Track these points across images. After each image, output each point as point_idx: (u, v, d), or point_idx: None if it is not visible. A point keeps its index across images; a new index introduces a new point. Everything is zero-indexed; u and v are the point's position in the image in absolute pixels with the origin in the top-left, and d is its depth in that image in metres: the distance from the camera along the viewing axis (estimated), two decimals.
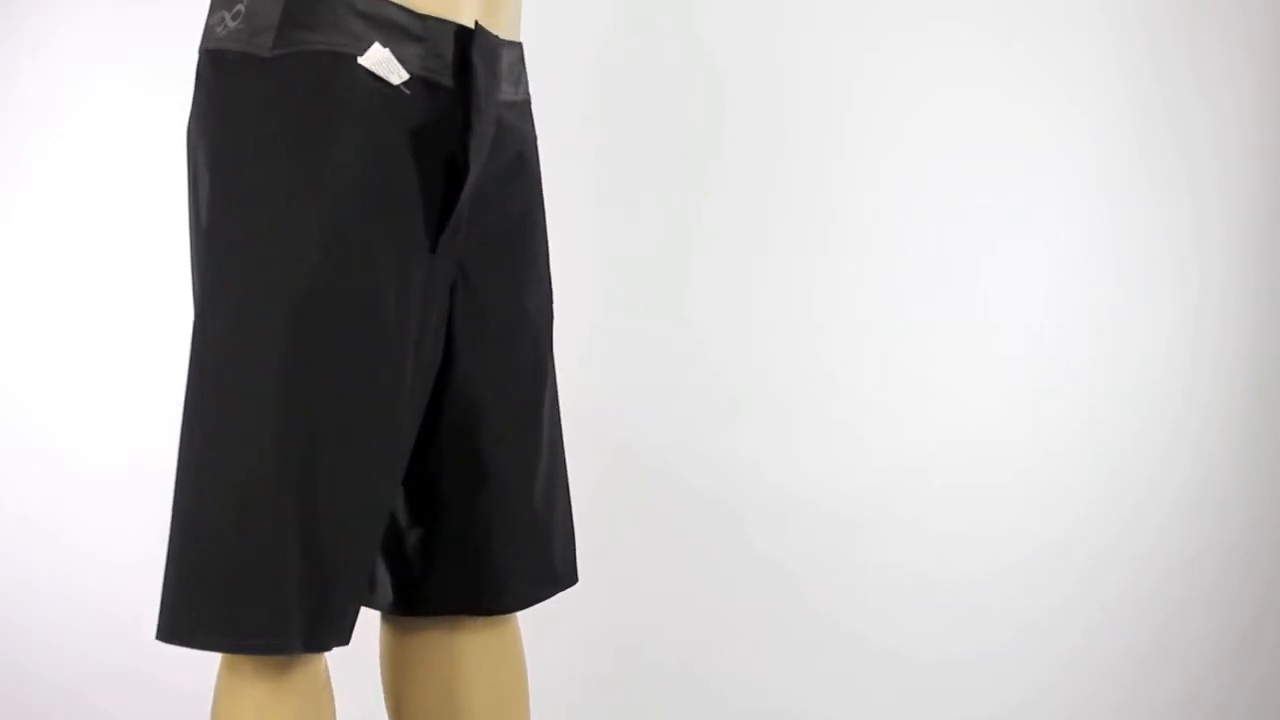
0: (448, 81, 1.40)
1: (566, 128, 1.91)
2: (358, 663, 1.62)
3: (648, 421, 2.56)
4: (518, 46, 1.52)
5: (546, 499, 1.56)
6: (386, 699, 1.63)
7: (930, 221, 2.54)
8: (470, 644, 1.57)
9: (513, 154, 1.50)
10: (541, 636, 1.64)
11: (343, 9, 1.35)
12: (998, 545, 2.57)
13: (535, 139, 1.57)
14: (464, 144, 1.40)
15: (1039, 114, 2.54)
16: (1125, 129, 2.55)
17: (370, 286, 1.35)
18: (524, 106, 1.54)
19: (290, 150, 1.33)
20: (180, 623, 1.33)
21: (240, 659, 1.37)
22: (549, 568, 1.58)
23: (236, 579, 1.31)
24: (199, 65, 1.40)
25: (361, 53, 1.35)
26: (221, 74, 1.36)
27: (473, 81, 1.40)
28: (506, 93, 1.48)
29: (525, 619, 1.62)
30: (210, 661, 1.41)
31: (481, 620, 1.57)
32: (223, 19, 1.38)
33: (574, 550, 1.63)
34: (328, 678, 1.46)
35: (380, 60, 1.35)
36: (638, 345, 2.56)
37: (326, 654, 1.45)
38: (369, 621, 1.60)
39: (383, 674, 1.63)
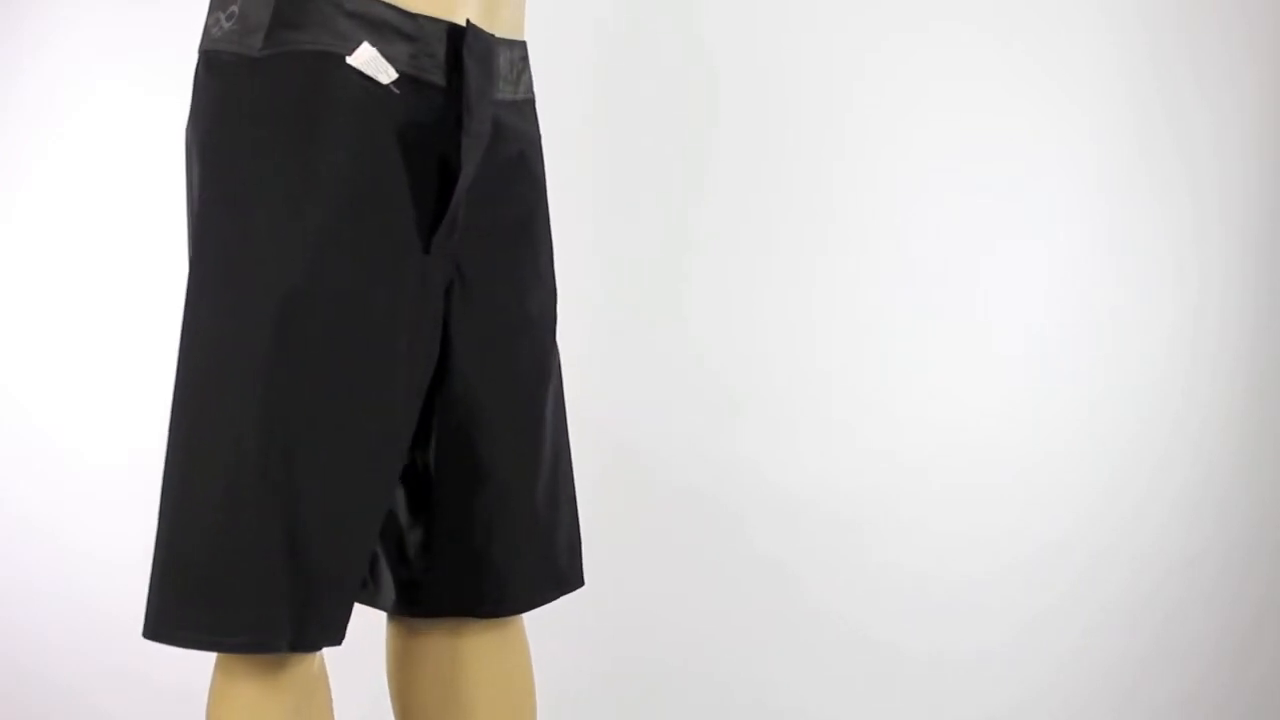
0: (440, 80, 1.39)
1: (566, 128, 1.90)
2: (358, 663, 1.62)
3: (648, 421, 2.56)
4: (519, 45, 1.51)
5: (549, 501, 1.55)
6: (393, 699, 1.62)
7: (930, 221, 2.54)
8: (474, 646, 1.57)
9: (513, 154, 1.50)
10: (541, 636, 1.64)
11: (331, 9, 1.35)
12: (998, 545, 2.57)
13: (538, 139, 1.56)
14: (457, 143, 1.39)
15: (1039, 114, 2.54)
16: (1125, 129, 2.55)
17: (359, 287, 1.34)
18: (525, 106, 1.53)
19: (280, 150, 1.33)
20: (164, 621, 1.33)
21: (233, 659, 1.37)
22: (552, 570, 1.57)
23: (219, 578, 1.31)
24: (196, 66, 1.40)
25: (350, 52, 1.35)
26: (215, 75, 1.37)
27: (465, 80, 1.39)
28: (505, 92, 1.47)
29: (525, 619, 1.62)
30: (210, 662, 1.41)
31: (485, 622, 1.56)
32: (218, 20, 1.38)
33: (580, 552, 1.62)
34: (324, 676, 1.46)
35: (368, 59, 1.35)
36: (637, 345, 2.56)
37: (324, 653, 1.45)
38: (368, 621, 1.60)
39: (389, 674, 1.63)
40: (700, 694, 2.53)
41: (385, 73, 1.36)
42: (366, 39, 1.35)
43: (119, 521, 2.51)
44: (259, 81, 1.34)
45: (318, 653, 1.43)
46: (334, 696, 1.49)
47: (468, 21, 1.40)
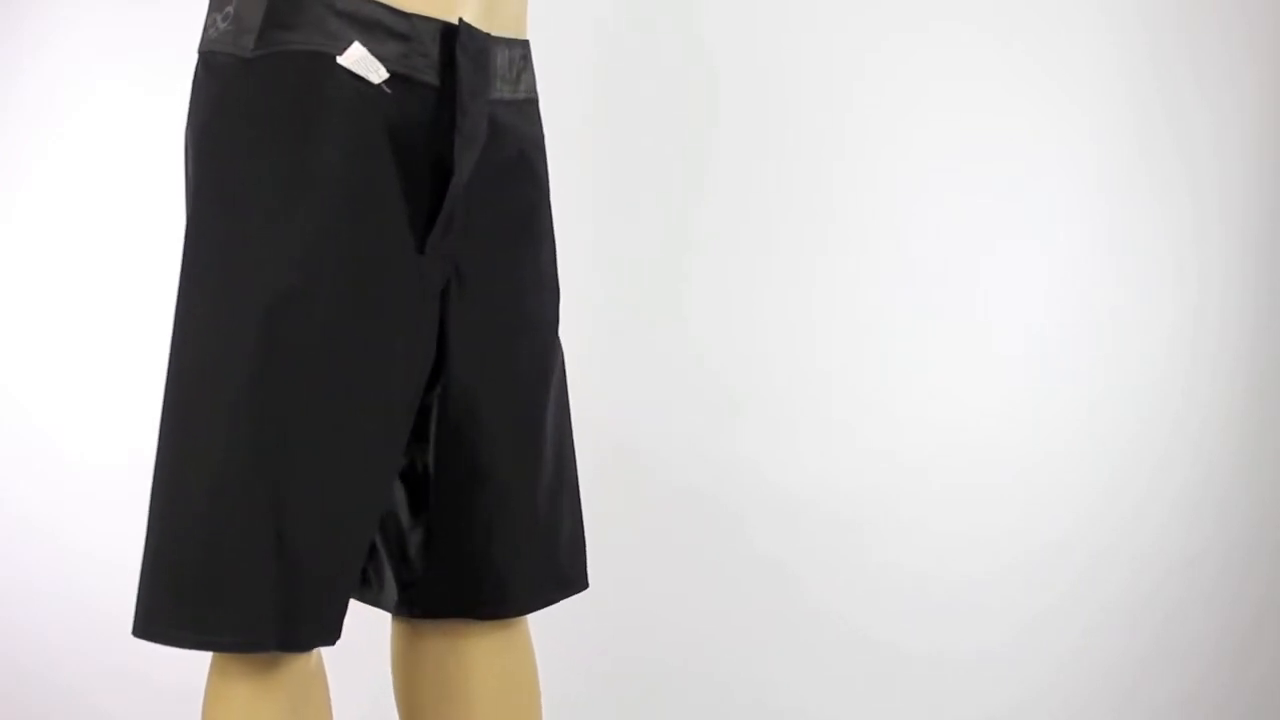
0: (434, 80, 1.39)
1: (566, 128, 1.90)
2: (358, 662, 1.62)
3: (648, 421, 2.56)
4: (519, 45, 1.50)
5: (551, 501, 1.55)
6: (397, 700, 1.62)
7: (930, 221, 2.54)
8: (477, 647, 1.56)
9: (513, 153, 1.49)
10: (540, 636, 1.64)
11: (322, 9, 1.35)
12: (998, 545, 2.56)
13: (540, 138, 1.55)
14: (451, 143, 1.39)
15: (1039, 114, 2.54)
16: (1125, 129, 2.55)
17: (352, 286, 1.34)
18: (526, 105, 1.52)
19: (273, 149, 1.33)
20: (153, 619, 1.34)
21: (227, 659, 1.37)
22: (554, 572, 1.56)
23: (206, 577, 1.31)
24: (195, 67, 1.40)
25: (340, 52, 1.35)
26: (211, 75, 1.37)
27: (457, 80, 1.39)
28: (502, 91, 1.47)
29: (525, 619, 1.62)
30: (209, 661, 1.41)
31: (488, 623, 1.55)
32: (214, 21, 1.38)
33: (584, 554, 1.61)
34: (321, 675, 1.46)
35: (358, 59, 1.35)
36: (637, 345, 2.56)
37: (324, 652, 1.45)
38: (368, 620, 1.60)
39: (393, 675, 1.62)
40: (700, 694, 2.53)
41: (376, 72, 1.36)
42: (357, 38, 1.35)
43: (119, 521, 2.50)
44: (252, 82, 1.34)
45: (314, 652, 1.43)
46: (334, 695, 1.49)
47: (460, 20, 1.39)
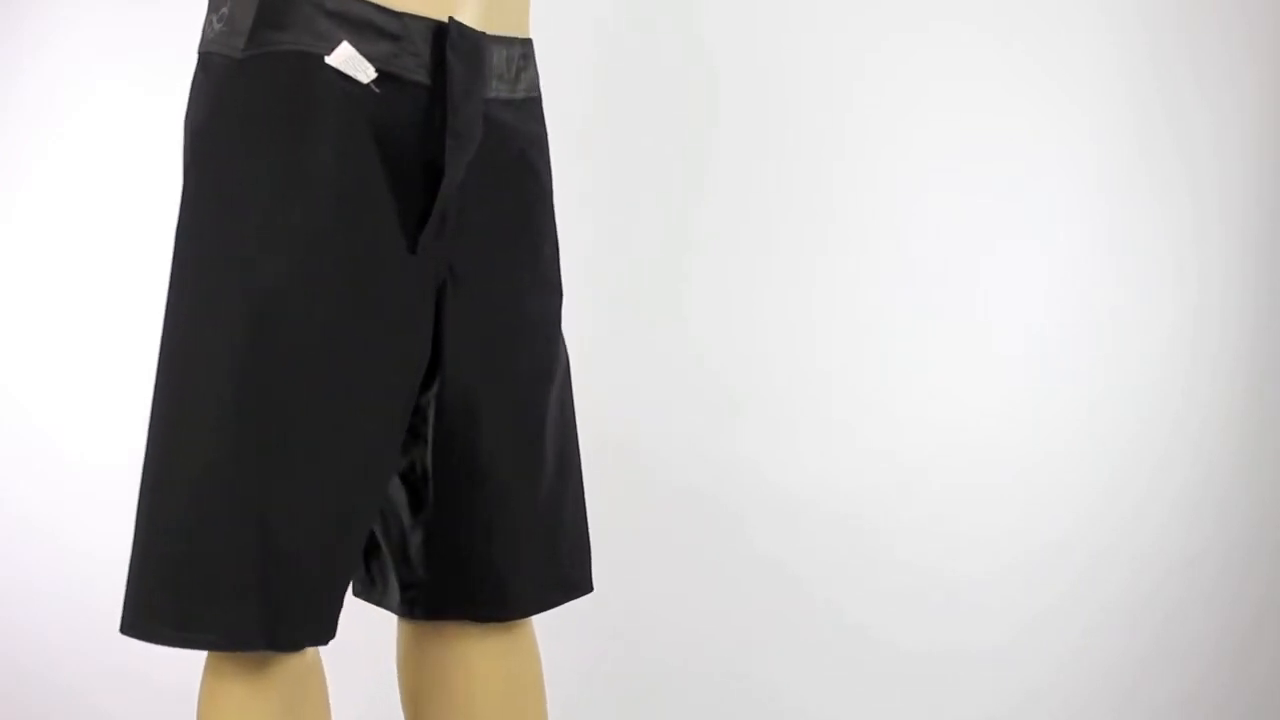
0: (425, 79, 1.39)
1: (566, 127, 1.90)
2: (357, 661, 1.62)
3: (648, 422, 2.56)
4: (519, 43, 1.49)
5: (553, 504, 1.54)
6: (403, 701, 1.62)
7: (930, 221, 2.54)
8: (480, 649, 1.55)
9: (513, 153, 1.48)
10: (540, 636, 1.64)
11: (311, 9, 1.34)
12: (998, 545, 2.56)
13: (542, 137, 1.54)
14: (443, 143, 1.38)
15: (1039, 114, 2.54)
16: (1125, 129, 2.55)
17: (343, 287, 1.34)
18: (526, 105, 1.51)
19: (265, 149, 1.33)
20: (139, 616, 1.34)
21: (221, 659, 1.37)
22: (557, 574, 1.55)
23: (191, 575, 1.31)
24: (194, 68, 1.40)
25: (329, 52, 1.34)
26: (207, 76, 1.37)
27: (448, 79, 1.38)
28: (499, 90, 1.46)
29: None
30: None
31: (491, 626, 1.55)
32: (211, 22, 1.39)
33: (588, 557, 1.60)
34: (318, 674, 1.45)
35: (346, 59, 1.34)
36: (637, 345, 2.56)
37: (323, 651, 1.45)
38: (367, 620, 1.60)
39: (398, 675, 1.62)
40: (700, 694, 2.53)
41: (364, 72, 1.35)
42: (346, 38, 1.35)
43: (119, 521, 2.49)
44: (244, 82, 1.34)
45: (311, 651, 1.43)
46: (332, 694, 1.49)
47: (450, 19, 1.39)
